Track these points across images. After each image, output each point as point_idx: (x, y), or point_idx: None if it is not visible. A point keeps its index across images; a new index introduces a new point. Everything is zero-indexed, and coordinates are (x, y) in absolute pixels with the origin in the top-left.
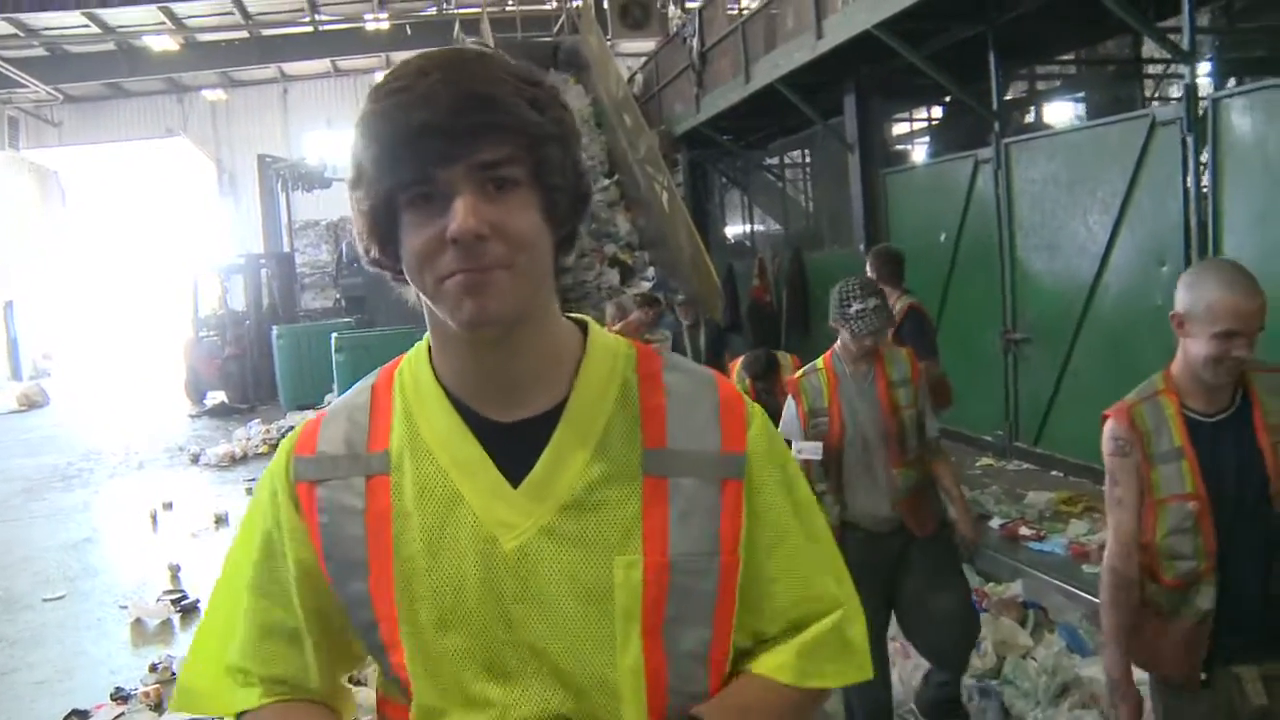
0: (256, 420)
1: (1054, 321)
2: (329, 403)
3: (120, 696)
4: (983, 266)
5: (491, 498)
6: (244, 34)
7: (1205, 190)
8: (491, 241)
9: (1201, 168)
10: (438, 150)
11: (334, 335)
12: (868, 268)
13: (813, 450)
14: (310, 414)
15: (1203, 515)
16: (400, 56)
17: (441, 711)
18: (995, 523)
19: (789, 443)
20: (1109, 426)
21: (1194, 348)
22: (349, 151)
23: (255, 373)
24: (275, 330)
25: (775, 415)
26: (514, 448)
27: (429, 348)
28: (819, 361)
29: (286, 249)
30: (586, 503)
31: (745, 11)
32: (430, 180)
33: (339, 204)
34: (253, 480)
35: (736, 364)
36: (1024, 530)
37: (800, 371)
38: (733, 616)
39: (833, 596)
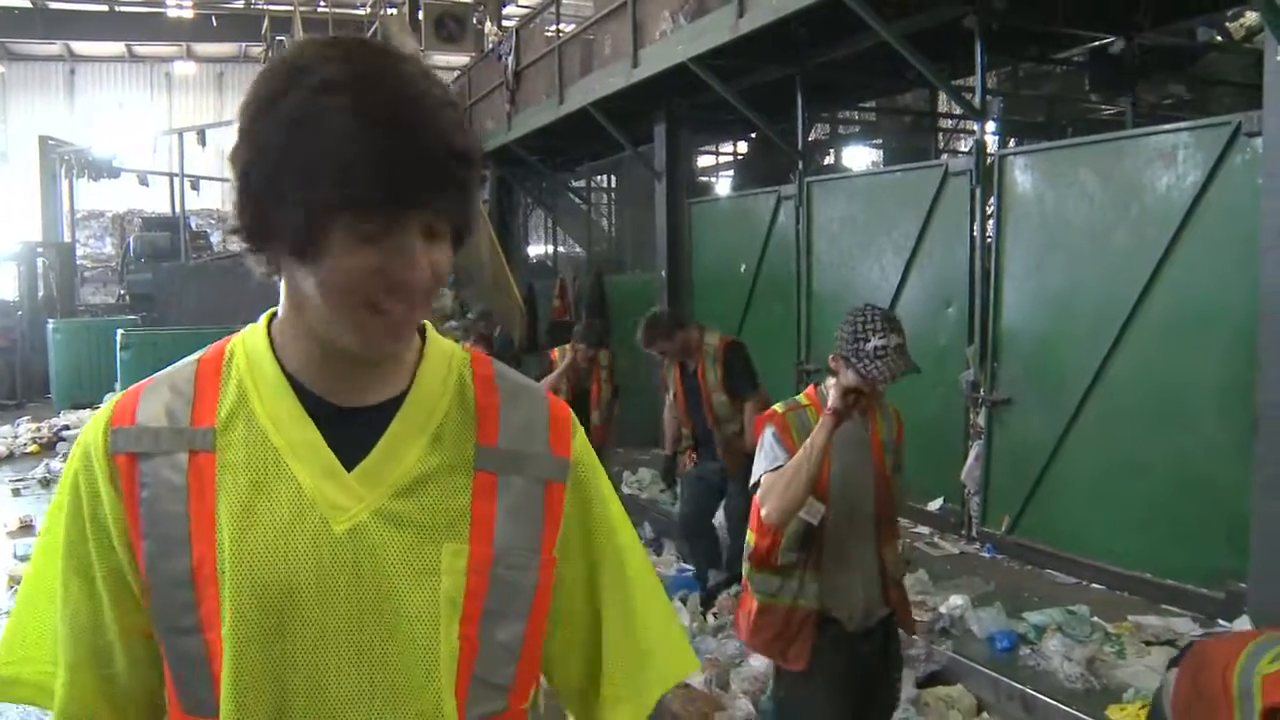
0: (25, 418)
1: None
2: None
3: None
4: (780, 298)
5: (324, 479)
6: (25, 3)
7: (990, 239)
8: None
9: (987, 219)
10: (411, 199)
11: (119, 332)
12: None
13: (814, 511)
14: (86, 413)
15: None
16: (203, 48)
17: (258, 686)
18: None
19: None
20: None
21: None
22: (250, 122)
23: (26, 368)
24: (51, 324)
25: (586, 394)
26: (350, 433)
27: (268, 328)
28: (802, 397)
29: (67, 239)
30: (419, 489)
31: (563, 34)
32: (385, 216)
33: (127, 196)
34: (20, 480)
35: (555, 354)
36: None
37: (781, 406)
38: (546, 615)
39: (664, 633)
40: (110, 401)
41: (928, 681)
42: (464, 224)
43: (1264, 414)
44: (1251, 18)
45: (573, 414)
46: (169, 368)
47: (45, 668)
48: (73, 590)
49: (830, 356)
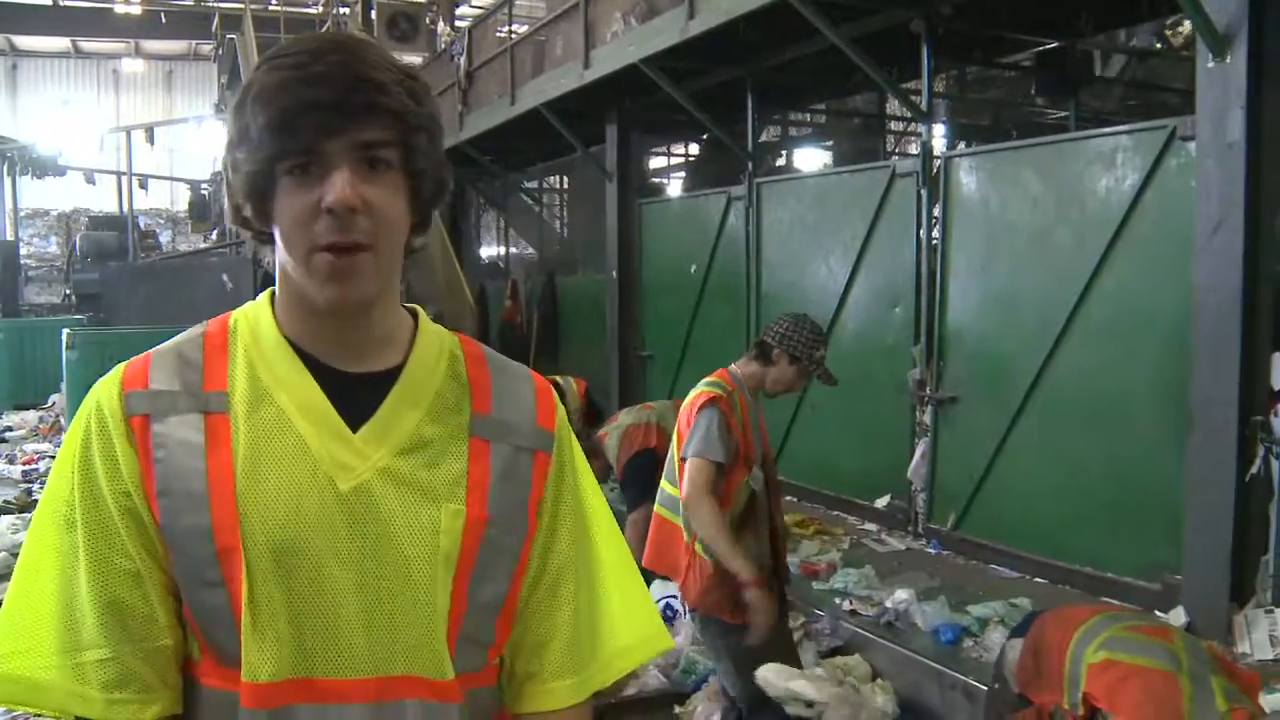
0: None
1: None
2: (54, 403)
3: None
4: (730, 299)
5: (330, 439)
6: None
7: (936, 240)
8: (361, 216)
9: (933, 220)
10: (325, 125)
11: (65, 332)
12: None
13: (758, 479)
14: (31, 414)
15: None
16: (152, 45)
17: (275, 628)
18: None
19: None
20: None
21: None
22: (232, 113)
23: None
24: None
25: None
26: (354, 398)
27: (271, 300)
28: (722, 381)
29: (10, 237)
30: (419, 451)
31: (515, 35)
32: (313, 152)
33: (73, 194)
34: None
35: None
36: None
37: (713, 387)
38: (525, 577)
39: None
40: (116, 369)
41: (830, 654)
42: (407, 157)
43: (1197, 411)
44: (1189, 26)
45: (553, 389)
46: (172, 340)
47: (44, 660)
48: (98, 566)
49: (774, 351)
